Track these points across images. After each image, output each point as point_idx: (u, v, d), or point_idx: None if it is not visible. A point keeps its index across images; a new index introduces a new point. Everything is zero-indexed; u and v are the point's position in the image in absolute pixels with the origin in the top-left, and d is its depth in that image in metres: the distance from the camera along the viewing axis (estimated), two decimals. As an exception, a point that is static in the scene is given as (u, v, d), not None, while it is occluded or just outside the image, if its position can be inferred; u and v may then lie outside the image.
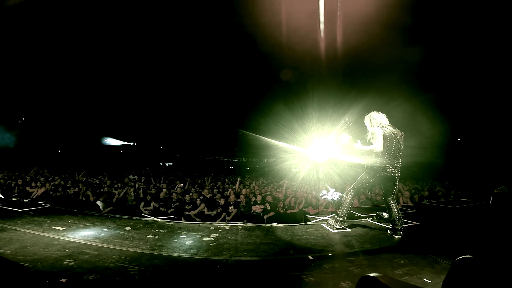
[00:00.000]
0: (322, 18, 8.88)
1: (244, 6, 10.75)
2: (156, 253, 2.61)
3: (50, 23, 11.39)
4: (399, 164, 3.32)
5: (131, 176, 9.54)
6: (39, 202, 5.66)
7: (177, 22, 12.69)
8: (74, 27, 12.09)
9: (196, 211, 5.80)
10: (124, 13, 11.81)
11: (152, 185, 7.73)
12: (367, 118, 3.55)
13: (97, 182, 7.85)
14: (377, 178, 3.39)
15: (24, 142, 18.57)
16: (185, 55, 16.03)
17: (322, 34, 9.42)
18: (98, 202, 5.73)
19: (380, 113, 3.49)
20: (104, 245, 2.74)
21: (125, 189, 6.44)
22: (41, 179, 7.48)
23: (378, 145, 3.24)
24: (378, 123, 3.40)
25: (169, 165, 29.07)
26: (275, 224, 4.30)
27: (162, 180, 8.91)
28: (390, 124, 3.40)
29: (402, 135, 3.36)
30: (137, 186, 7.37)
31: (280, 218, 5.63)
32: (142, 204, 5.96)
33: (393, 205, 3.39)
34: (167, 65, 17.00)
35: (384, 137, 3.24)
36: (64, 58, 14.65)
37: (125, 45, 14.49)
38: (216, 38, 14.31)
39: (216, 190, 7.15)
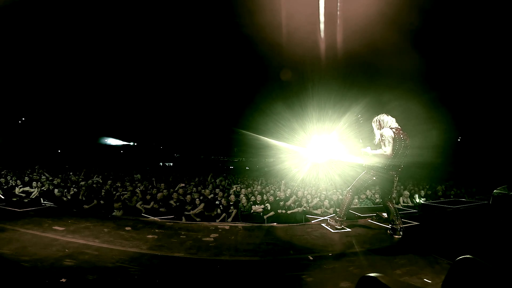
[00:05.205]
0: (322, 18, 8.88)
1: (243, 5, 10.76)
2: (156, 253, 2.60)
3: (50, 23, 11.39)
4: (400, 168, 3.30)
5: (135, 176, 9.60)
6: (39, 202, 5.67)
7: (177, 22, 12.70)
8: (74, 27, 12.10)
9: (195, 211, 5.80)
10: (124, 13, 11.81)
11: (150, 186, 7.73)
12: (375, 121, 3.41)
13: (100, 182, 7.88)
14: (377, 179, 3.38)
15: (24, 142, 18.56)
16: (185, 56, 16.05)
17: (322, 34, 9.42)
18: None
19: (389, 116, 3.36)
20: (104, 245, 2.73)
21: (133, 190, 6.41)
22: (42, 178, 7.49)
23: (388, 149, 3.14)
24: (388, 126, 3.30)
25: (169, 165, 29.07)
26: (275, 224, 4.30)
27: (160, 181, 8.91)
28: (399, 127, 3.30)
29: (409, 141, 3.27)
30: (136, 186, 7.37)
31: (280, 218, 5.63)
32: (141, 203, 5.95)
33: (391, 206, 3.38)
34: (167, 65, 17.02)
35: (394, 139, 3.17)
36: (64, 58, 14.66)
37: (124, 45, 14.50)
38: (216, 38, 14.32)
39: (217, 190, 7.15)
